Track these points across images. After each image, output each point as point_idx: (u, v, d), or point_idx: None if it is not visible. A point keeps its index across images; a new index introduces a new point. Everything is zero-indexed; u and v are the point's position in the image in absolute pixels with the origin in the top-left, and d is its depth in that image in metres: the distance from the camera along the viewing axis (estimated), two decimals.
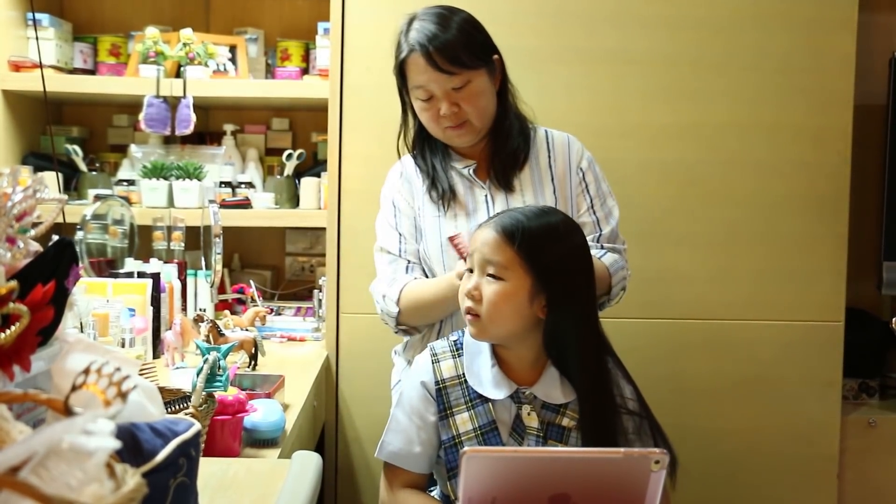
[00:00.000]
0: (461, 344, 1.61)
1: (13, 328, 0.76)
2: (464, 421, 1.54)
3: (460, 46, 1.77)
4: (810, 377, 2.39)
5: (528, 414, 1.53)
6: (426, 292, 1.82)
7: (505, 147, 1.88)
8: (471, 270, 1.55)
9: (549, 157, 1.91)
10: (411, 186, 1.93)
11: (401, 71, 1.82)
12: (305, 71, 2.88)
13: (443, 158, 1.90)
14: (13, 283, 0.77)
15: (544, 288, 1.50)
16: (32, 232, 0.86)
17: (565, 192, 1.89)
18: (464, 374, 1.57)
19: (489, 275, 1.52)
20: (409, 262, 1.89)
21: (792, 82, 2.37)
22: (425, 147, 1.91)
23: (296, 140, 3.05)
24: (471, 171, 1.88)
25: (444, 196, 1.87)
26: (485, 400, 1.54)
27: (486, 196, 1.87)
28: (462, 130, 1.81)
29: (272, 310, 2.68)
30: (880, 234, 2.64)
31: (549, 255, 1.51)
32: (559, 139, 1.95)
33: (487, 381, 1.55)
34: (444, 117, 1.79)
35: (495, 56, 1.86)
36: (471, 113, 1.80)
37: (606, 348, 1.60)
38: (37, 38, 2.49)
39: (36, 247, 0.87)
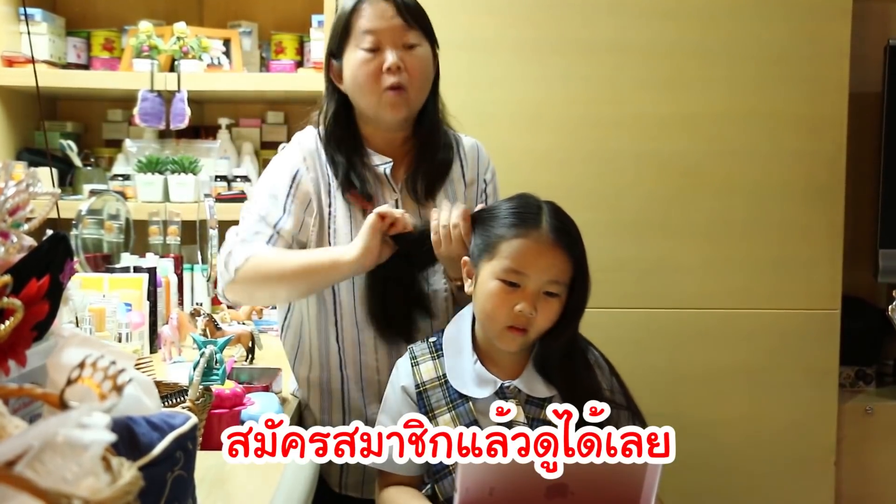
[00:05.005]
0: (440, 345, 1.58)
1: (7, 323, 0.76)
2: (446, 422, 1.50)
3: (423, 10, 1.71)
4: (807, 365, 2.40)
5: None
6: (294, 259, 1.62)
7: (434, 159, 1.76)
8: (507, 283, 1.47)
9: (462, 165, 1.81)
10: (320, 168, 1.73)
11: (347, 22, 1.67)
12: (300, 64, 2.87)
13: (358, 151, 1.72)
14: (7, 278, 0.77)
15: (572, 290, 1.50)
16: (26, 226, 0.86)
17: (472, 202, 1.79)
18: (444, 374, 1.54)
19: (548, 293, 1.48)
20: (276, 234, 1.67)
21: (787, 71, 2.37)
22: (339, 138, 1.73)
23: (291, 133, 3.02)
24: (386, 171, 1.73)
25: (358, 195, 1.70)
26: (466, 399, 1.51)
27: (396, 201, 1.73)
28: (399, 97, 1.66)
29: None
30: (876, 221, 2.64)
31: (584, 261, 1.52)
32: (469, 145, 1.83)
33: (470, 379, 1.52)
34: (388, 71, 1.64)
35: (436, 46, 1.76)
36: (412, 79, 1.67)
37: (587, 341, 1.60)
38: (28, 33, 2.48)
39: (30, 241, 0.87)
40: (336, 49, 1.71)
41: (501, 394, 1.51)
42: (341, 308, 1.71)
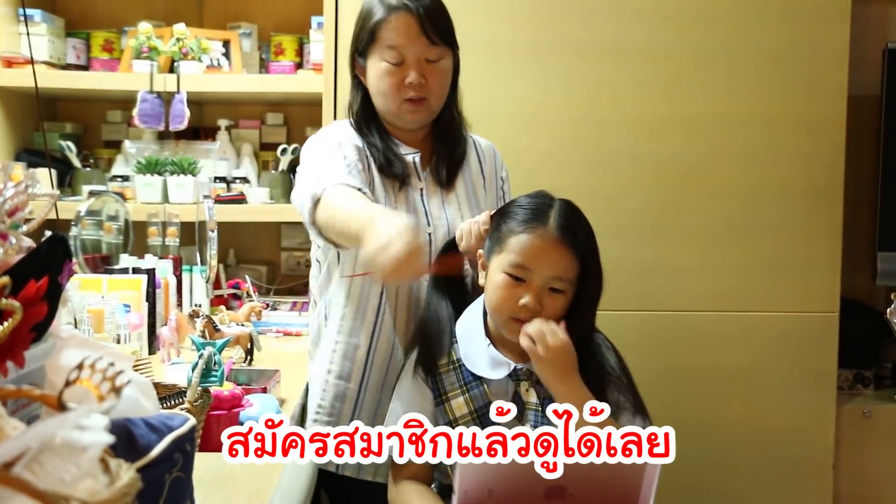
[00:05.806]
0: (454, 333, 1.62)
1: (6, 324, 0.76)
2: (459, 405, 1.55)
3: (447, 20, 1.76)
4: (805, 368, 2.40)
5: (527, 390, 1.54)
6: (344, 212, 1.53)
7: (454, 149, 1.82)
8: (513, 277, 1.51)
9: (480, 161, 1.88)
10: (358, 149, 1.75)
11: (372, 32, 1.72)
12: (299, 65, 2.87)
13: (388, 141, 1.78)
14: (5, 279, 0.77)
15: (580, 285, 1.54)
16: (25, 228, 0.86)
17: (492, 197, 1.86)
18: (458, 359, 1.58)
19: (553, 289, 1.52)
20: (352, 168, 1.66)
21: (786, 73, 2.37)
22: (370, 127, 1.79)
23: (290, 135, 3.05)
24: (416, 160, 1.79)
25: (401, 179, 1.75)
26: (480, 382, 1.55)
27: (421, 189, 1.79)
28: (419, 107, 1.74)
29: (267, 305, 2.67)
30: (875, 224, 2.65)
31: (595, 257, 1.56)
32: (486, 145, 1.91)
33: (484, 362, 1.56)
34: (408, 86, 1.71)
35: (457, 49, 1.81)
36: (434, 91, 1.74)
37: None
38: (28, 34, 2.48)
39: (29, 242, 0.87)
40: (361, 50, 1.77)
41: (515, 375, 1.55)
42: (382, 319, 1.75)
